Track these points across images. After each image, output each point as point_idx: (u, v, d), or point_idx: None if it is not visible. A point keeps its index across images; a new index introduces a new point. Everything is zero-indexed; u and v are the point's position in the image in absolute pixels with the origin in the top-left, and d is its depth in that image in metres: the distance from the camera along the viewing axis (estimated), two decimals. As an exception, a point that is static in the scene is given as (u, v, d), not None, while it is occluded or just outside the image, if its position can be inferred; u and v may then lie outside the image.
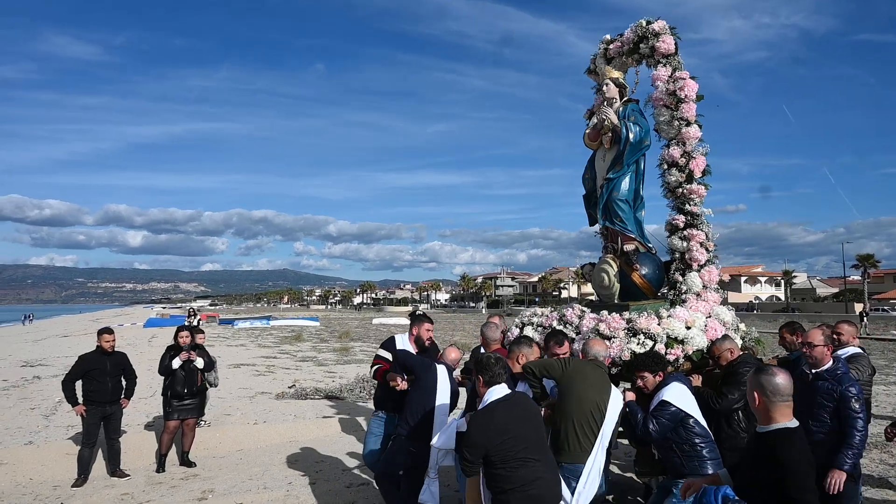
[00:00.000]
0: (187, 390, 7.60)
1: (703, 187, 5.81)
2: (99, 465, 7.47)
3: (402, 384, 5.21)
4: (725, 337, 5.13)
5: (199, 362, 7.78)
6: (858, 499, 4.73)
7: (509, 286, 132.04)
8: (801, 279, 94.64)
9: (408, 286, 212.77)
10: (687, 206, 5.81)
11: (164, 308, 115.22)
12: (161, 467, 7.55)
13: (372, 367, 6.01)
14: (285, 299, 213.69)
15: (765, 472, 2.85)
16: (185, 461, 7.79)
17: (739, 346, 5.17)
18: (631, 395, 4.68)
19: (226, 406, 11.79)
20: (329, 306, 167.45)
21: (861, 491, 5.10)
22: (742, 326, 5.66)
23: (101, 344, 7.28)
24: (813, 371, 4.31)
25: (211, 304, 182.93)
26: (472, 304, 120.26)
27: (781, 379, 2.90)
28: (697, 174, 5.82)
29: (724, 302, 5.91)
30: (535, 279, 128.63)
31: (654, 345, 5.00)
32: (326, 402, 12.26)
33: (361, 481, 6.96)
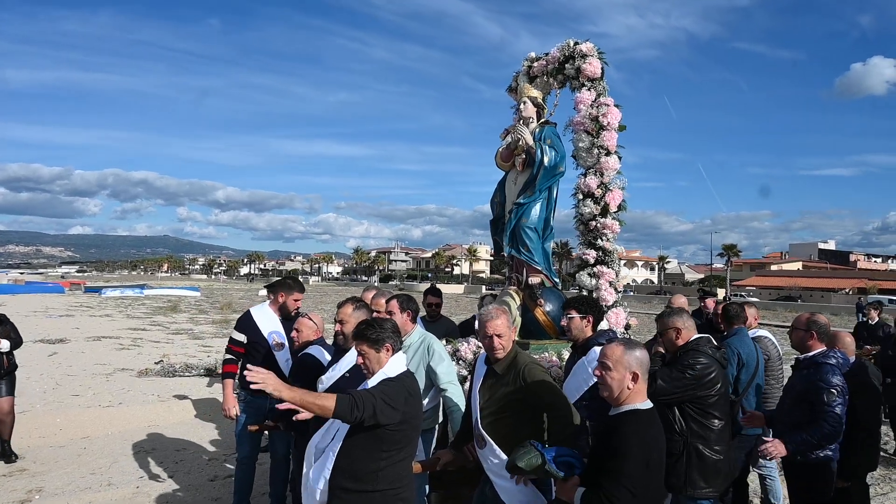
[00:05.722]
0: None
1: (616, 223, 5.54)
2: None
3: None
4: None
5: (4, 345, 6.49)
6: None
7: (403, 261, 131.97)
8: (672, 265, 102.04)
9: (299, 258, 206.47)
10: (599, 241, 5.53)
11: (21, 273, 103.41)
12: (-24, 461, 6.28)
13: (225, 357, 5.11)
14: (165, 267, 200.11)
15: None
16: (5, 453, 6.50)
17: None
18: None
19: (75, 386, 10.34)
20: (213, 276, 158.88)
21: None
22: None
23: None
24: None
25: (78, 271, 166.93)
26: (364, 278, 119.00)
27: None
28: (613, 208, 5.54)
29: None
30: (429, 255, 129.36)
31: None
32: (198, 379, 11.13)
33: (228, 473, 6.12)
